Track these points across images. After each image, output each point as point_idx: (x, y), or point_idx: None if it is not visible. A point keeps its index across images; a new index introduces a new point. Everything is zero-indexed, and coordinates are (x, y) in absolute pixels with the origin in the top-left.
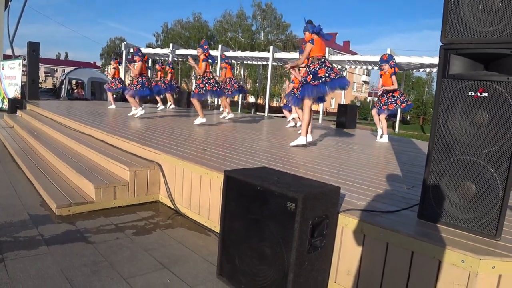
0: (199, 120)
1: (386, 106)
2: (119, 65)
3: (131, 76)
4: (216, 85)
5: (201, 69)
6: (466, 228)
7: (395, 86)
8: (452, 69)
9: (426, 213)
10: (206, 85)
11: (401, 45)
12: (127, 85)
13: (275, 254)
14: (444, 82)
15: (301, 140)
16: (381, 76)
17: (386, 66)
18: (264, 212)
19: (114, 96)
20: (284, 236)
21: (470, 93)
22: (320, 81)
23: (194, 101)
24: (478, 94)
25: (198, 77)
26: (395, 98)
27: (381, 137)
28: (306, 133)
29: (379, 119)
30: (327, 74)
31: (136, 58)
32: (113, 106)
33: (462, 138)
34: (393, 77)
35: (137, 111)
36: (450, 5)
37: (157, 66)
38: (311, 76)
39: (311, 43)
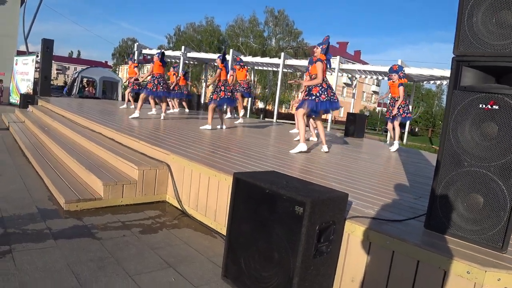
0: (205, 126)
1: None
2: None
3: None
4: (224, 91)
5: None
6: (472, 240)
7: (401, 97)
8: (464, 81)
9: (433, 223)
10: (213, 93)
11: (412, 56)
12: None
13: (281, 257)
14: (455, 94)
15: (302, 147)
16: (390, 86)
17: (395, 76)
18: (271, 215)
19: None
20: (290, 239)
21: (480, 105)
22: (311, 97)
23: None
24: (489, 106)
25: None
26: (400, 107)
27: (391, 145)
28: (304, 139)
29: (393, 128)
30: (318, 94)
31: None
32: (124, 106)
33: (471, 150)
34: (401, 87)
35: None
36: (463, 17)
37: (171, 70)
38: (306, 92)
39: (320, 62)
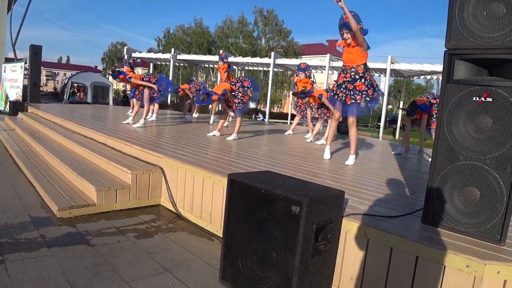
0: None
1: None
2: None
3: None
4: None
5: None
6: (470, 233)
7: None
8: (457, 74)
9: (430, 218)
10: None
11: (402, 52)
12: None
13: (279, 258)
14: (449, 87)
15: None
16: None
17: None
18: (268, 216)
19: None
20: (288, 239)
21: (474, 98)
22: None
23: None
24: (483, 99)
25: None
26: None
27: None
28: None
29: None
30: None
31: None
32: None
33: (466, 143)
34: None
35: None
36: (454, 11)
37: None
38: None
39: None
